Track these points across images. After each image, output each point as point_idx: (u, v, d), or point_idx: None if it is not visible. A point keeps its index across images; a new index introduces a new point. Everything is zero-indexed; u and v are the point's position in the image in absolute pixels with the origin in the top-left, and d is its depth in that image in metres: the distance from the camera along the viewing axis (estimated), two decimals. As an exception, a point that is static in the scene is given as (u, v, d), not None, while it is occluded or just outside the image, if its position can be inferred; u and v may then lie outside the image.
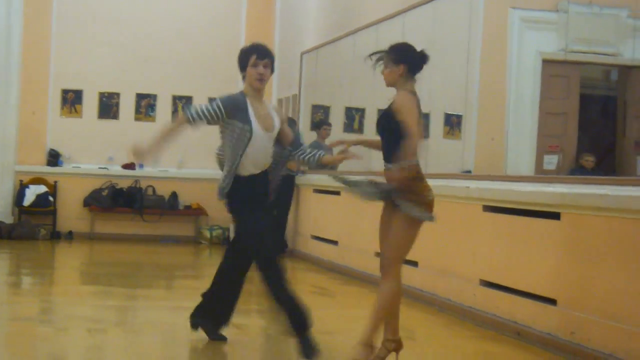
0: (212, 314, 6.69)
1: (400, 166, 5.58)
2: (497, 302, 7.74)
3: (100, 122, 15.39)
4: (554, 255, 7.00)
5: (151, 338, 7.19)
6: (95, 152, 15.32)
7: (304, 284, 10.35)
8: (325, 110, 13.69)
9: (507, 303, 7.47)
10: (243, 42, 15.49)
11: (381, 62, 5.89)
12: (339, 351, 6.39)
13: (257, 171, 6.14)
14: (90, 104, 15.35)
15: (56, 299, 9.30)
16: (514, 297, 7.43)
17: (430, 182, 5.82)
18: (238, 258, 6.52)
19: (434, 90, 9.52)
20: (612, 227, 6.34)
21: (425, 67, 5.84)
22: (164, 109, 15.53)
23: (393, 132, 5.68)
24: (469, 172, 9.30)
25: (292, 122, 12.03)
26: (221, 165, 6.37)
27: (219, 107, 6.06)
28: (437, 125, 10.18)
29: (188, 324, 6.75)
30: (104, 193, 15.09)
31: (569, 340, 6.69)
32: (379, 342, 5.88)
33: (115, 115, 15.44)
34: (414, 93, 5.78)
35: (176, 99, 15.53)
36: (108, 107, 15.41)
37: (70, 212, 15.09)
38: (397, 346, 5.94)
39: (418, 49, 5.87)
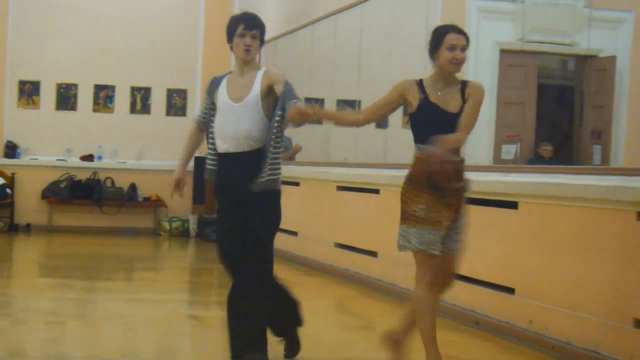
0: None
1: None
2: (455, 292, 7.75)
3: (58, 113, 15.25)
4: (512, 244, 7.05)
5: (110, 330, 7.15)
6: (53, 144, 15.18)
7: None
8: (285, 100, 13.64)
9: (465, 292, 7.50)
10: (202, 33, 15.48)
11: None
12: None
13: (231, 148, 5.58)
14: (47, 95, 15.20)
15: (14, 292, 9.22)
16: (472, 287, 7.46)
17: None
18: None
19: (391, 80, 9.51)
20: (569, 216, 6.39)
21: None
22: (122, 100, 15.42)
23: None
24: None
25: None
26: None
27: (206, 94, 5.85)
28: (396, 115, 10.19)
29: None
30: (62, 185, 14.96)
31: (526, 328, 6.74)
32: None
33: (73, 107, 15.30)
34: None
35: (134, 90, 15.43)
36: (66, 98, 15.27)
37: (28, 205, 14.95)
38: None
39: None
